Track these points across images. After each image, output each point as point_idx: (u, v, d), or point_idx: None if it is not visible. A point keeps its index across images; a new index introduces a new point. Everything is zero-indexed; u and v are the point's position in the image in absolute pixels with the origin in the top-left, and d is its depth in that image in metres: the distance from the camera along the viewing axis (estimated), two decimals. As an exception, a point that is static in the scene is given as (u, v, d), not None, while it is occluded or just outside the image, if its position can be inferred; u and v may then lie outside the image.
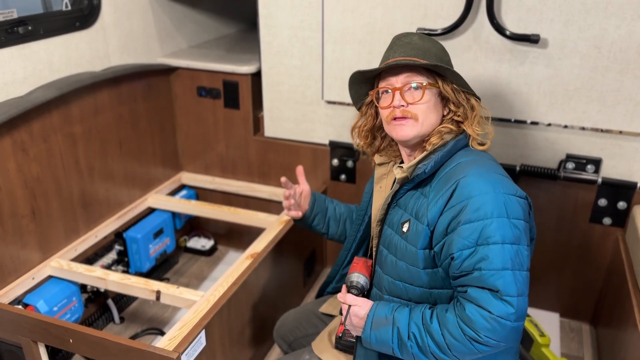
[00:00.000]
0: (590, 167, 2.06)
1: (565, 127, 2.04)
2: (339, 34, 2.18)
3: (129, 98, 2.33)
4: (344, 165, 2.44)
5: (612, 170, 2.06)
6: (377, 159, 1.54)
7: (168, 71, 2.56)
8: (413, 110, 1.32)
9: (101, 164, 2.23)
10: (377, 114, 1.47)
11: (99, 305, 2.31)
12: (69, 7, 2.07)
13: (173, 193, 2.70)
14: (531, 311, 2.36)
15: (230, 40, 3.05)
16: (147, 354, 1.49)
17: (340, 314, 1.58)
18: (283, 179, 1.69)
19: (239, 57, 2.58)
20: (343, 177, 2.47)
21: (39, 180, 1.94)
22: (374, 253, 1.47)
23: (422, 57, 1.32)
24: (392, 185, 1.41)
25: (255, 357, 2.07)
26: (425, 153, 1.32)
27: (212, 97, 2.55)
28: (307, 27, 2.22)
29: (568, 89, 1.97)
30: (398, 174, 1.33)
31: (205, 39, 2.99)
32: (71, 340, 1.59)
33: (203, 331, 1.61)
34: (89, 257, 2.26)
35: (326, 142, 2.43)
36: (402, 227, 1.34)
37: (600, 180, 2.07)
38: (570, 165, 2.08)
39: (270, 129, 2.51)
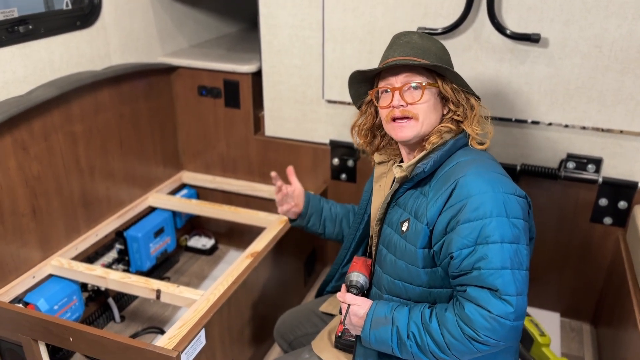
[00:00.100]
0: (591, 166, 2.06)
1: (566, 126, 2.04)
2: (340, 33, 2.18)
3: (129, 97, 2.33)
4: (345, 165, 2.44)
5: (612, 169, 2.05)
6: (377, 157, 1.54)
7: (169, 70, 2.56)
8: (413, 110, 1.32)
9: (102, 163, 2.23)
10: (376, 112, 1.47)
11: (99, 304, 2.31)
12: (70, 6, 2.07)
13: (174, 192, 2.70)
14: (531, 311, 2.36)
15: (231, 39, 3.05)
16: (147, 353, 1.50)
17: (340, 313, 1.58)
18: (273, 174, 1.71)
19: (240, 57, 2.58)
20: (344, 176, 2.46)
21: (40, 179, 1.94)
22: (373, 252, 1.47)
23: (422, 56, 1.32)
24: (392, 184, 1.41)
25: (255, 356, 2.07)
26: (424, 152, 1.31)
27: (213, 96, 2.55)
28: (308, 27, 2.22)
29: (569, 88, 1.97)
30: (397, 173, 1.33)
31: (206, 38, 2.99)
32: (71, 339, 1.60)
33: (203, 330, 1.61)
34: (90, 256, 2.26)
35: (327, 141, 2.43)
36: (402, 226, 1.34)
37: (601, 179, 2.06)
38: (571, 164, 2.07)
39: (271, 128, 2.51)
